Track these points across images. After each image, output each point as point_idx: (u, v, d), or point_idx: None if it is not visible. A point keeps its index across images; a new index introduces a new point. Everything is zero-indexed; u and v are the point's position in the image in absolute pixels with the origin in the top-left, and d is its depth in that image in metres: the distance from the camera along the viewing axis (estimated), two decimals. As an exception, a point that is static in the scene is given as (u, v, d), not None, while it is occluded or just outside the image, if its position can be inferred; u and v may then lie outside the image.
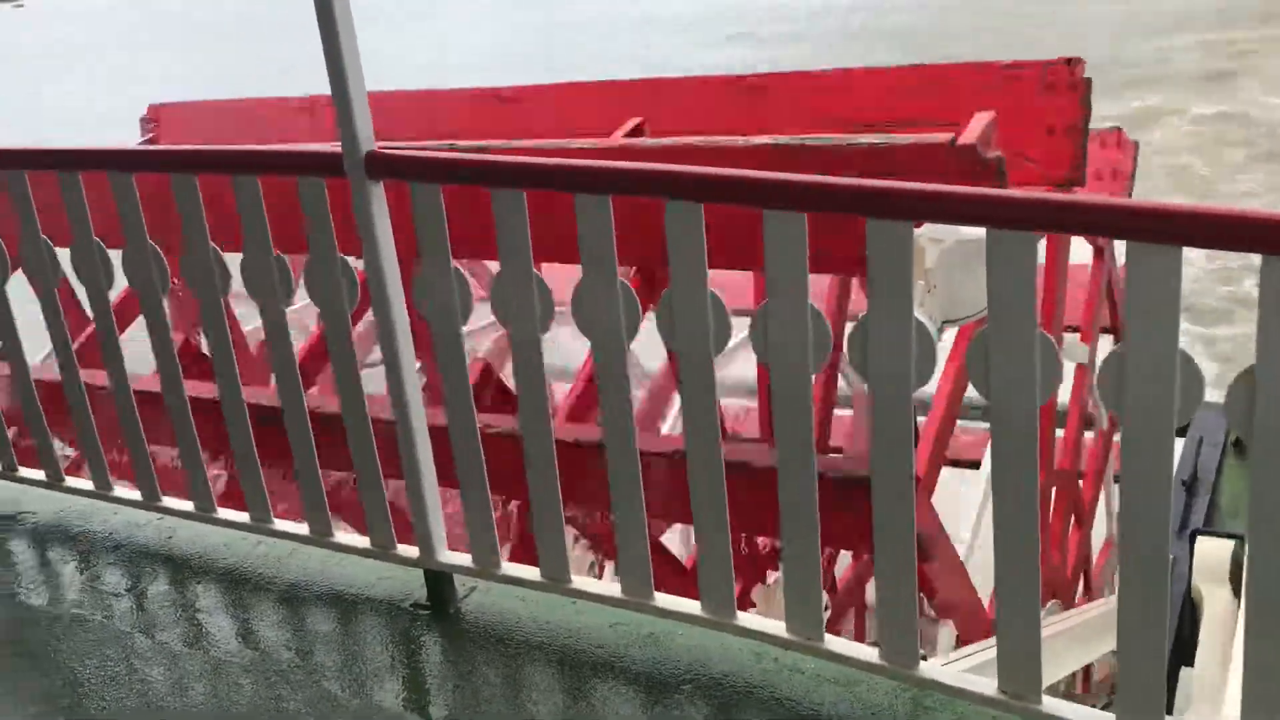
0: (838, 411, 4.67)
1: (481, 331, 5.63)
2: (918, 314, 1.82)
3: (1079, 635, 4.16)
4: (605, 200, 2.02)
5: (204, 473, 2.76)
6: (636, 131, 4.39)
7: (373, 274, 2.27)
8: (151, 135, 5.80)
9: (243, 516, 2.76)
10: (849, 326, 1.93)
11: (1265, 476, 1.61)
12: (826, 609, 2.12)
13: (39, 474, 3.08)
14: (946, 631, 3.94)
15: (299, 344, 3.32)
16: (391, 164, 2.21)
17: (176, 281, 2.59)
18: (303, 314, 4.49)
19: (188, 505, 2.83)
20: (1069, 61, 3.88)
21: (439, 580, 2.54)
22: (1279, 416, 1.57)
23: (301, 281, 2.42)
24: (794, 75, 4.69)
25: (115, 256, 2.63)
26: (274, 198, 2.37)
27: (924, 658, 2.06)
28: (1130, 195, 4.88)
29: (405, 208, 2.22)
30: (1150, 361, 1.62)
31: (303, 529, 2.68)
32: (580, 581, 2.38)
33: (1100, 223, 1.80)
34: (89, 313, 2.87)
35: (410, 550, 2.53)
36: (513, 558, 2.56)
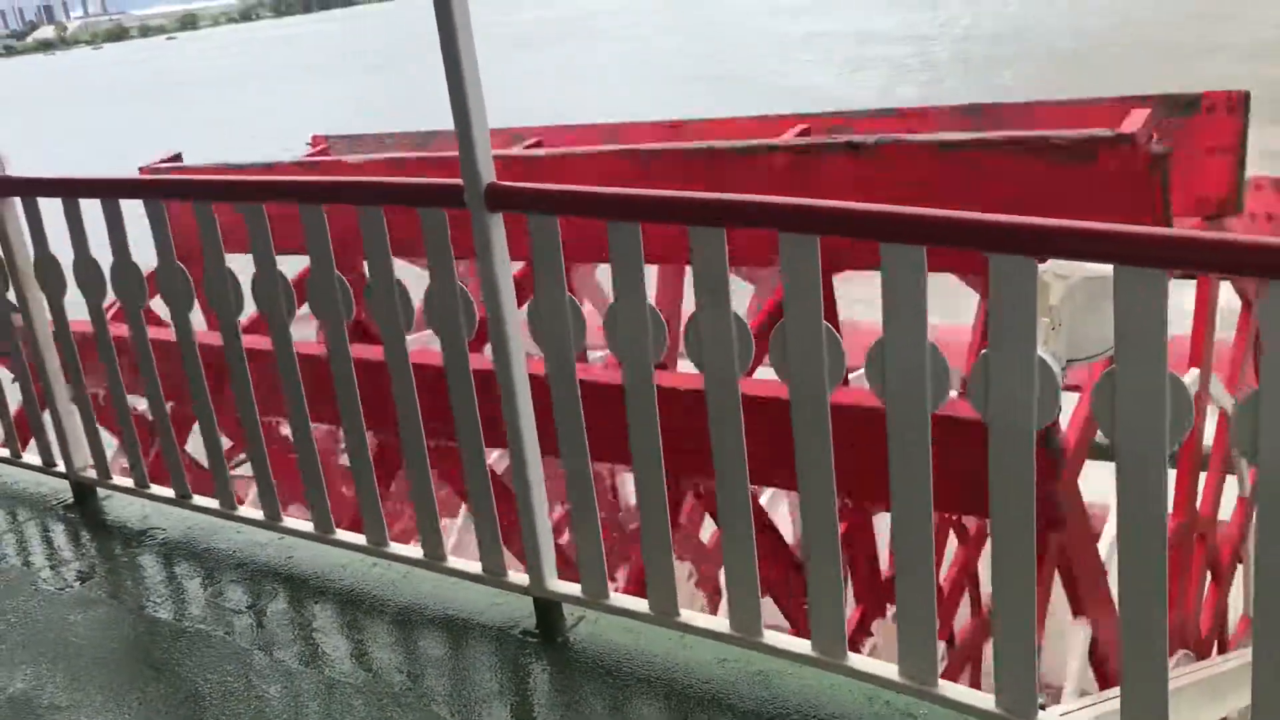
0: None
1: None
2: (1041, 352, 1.77)
3: (1210, 689, 3.97)
4: (719, 232, 2.02)
5: (324, 494, 2.82)
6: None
7: (491, 303, 2.30)
8: None
9: (360, 539, 2.81)
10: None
11: None
12: (943, 660, 2.07)
13: (168, 491, 3.20)
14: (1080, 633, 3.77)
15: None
16: (511, 196, 2.24)
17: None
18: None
19: (308, 526, 2.90)
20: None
21: (548, 609, 2.55)
22: None
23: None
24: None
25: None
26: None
27: (1043, 706, 1.99)
28: None
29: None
30: None
31: (417, 553, 2.72)
32: (689, 616, 2.36)
33: (1232, 261, 1.72)
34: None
35: (521, 577, 2.54)
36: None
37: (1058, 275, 2.74)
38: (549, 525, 2.47)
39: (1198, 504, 4.63)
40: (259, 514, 2.99)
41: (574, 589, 2.48)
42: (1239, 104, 3.86)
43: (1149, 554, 1.74)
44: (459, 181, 2.26)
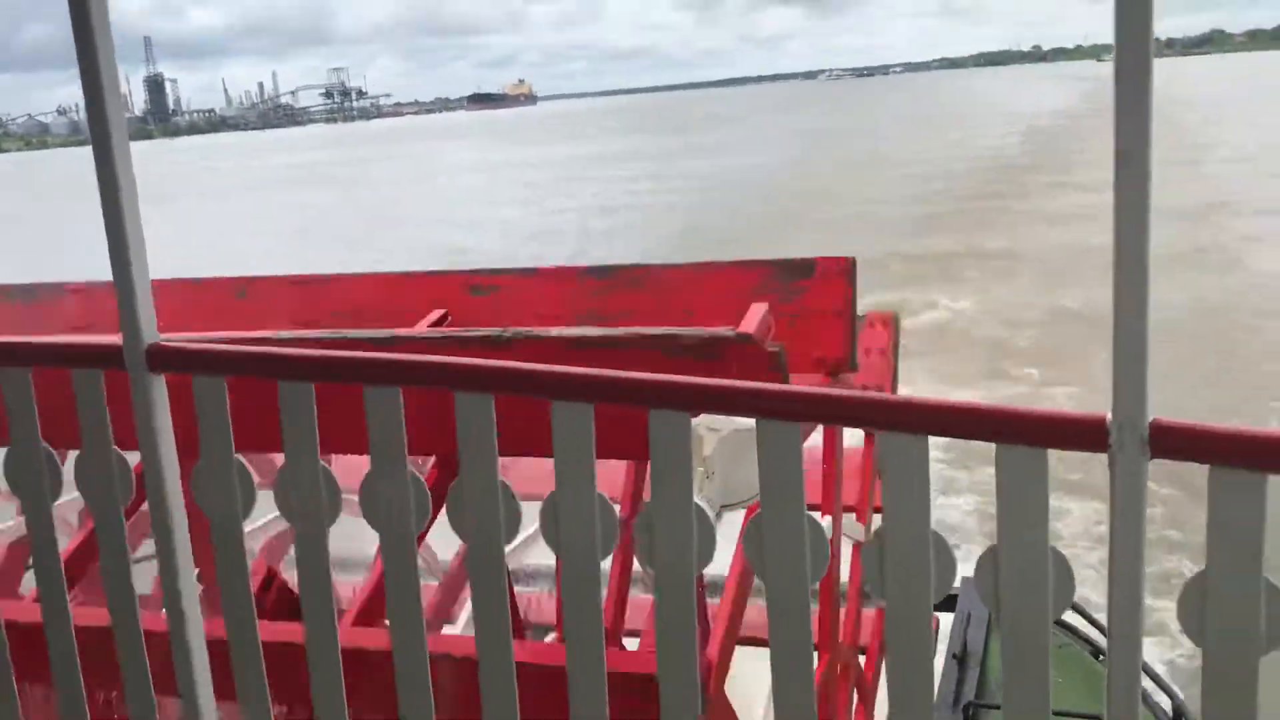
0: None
1: (260, 529, 5.45)
2: (697, 499, 1.91)
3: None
4: (395, 392, 2.05)
5: None
6: (440, 323, 4.46)
7: (151, 470, 2.21)
8: None
9: None
10: None
11: (1012, 648, 1.74)
12: None
13: None
14: None
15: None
16: (175, 357, 2.18)
17: None
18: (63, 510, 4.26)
19: None
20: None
21: None
22: (1020, 593, 1.70)
23: None
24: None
25: None
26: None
27: None
28: (896, 368, 5.22)
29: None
30: (906, 543, 1.75)
31: None
32: None
33: (855, 415, 1.94)
34: None
35: None
36: None
37: (710, 429, 2.96)
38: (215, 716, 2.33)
39: (839, 635, 5.00)
40: None
41: None
42: (848, 269, 4.35)
43: (799, 683, 1.88)
44: (117, 340, 2.17)
